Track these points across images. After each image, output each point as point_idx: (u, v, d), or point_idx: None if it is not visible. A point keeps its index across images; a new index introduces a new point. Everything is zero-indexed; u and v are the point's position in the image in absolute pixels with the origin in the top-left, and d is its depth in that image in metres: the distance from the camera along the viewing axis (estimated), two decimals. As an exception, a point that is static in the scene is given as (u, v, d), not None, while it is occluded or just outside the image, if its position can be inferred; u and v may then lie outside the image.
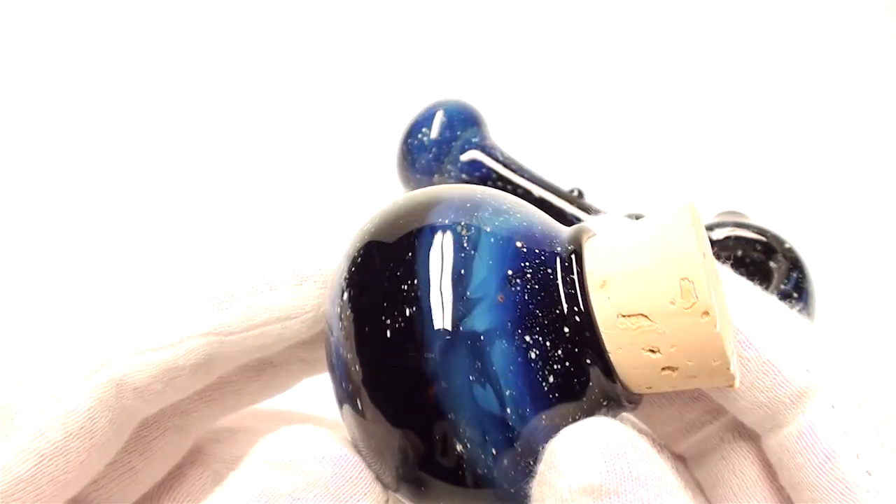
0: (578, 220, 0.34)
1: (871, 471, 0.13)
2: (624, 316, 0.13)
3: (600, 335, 0.13)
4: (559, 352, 0.13)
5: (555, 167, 0.37)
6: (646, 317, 0.12)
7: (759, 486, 0.15)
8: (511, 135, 0.38)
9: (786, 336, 0.14)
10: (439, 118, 0.35)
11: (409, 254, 0.13)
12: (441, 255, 0.13)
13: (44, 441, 0.14)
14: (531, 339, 0.12)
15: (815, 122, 0.46)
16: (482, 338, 0.12)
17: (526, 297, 0.13)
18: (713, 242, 0.33)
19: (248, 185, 0.43)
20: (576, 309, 0.13)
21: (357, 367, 0.13)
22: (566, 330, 0.13)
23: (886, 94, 0.47)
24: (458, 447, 0.12)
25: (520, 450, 0.12)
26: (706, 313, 0.12)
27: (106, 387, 0.14)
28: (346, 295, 0.13)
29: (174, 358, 0.15)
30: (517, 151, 0.36)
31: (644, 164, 0.44)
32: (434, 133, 0.35)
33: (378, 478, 0.14)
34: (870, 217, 0.42)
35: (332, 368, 0.14)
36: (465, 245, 0.13)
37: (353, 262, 0.14)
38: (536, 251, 0.13)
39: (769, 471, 0.15)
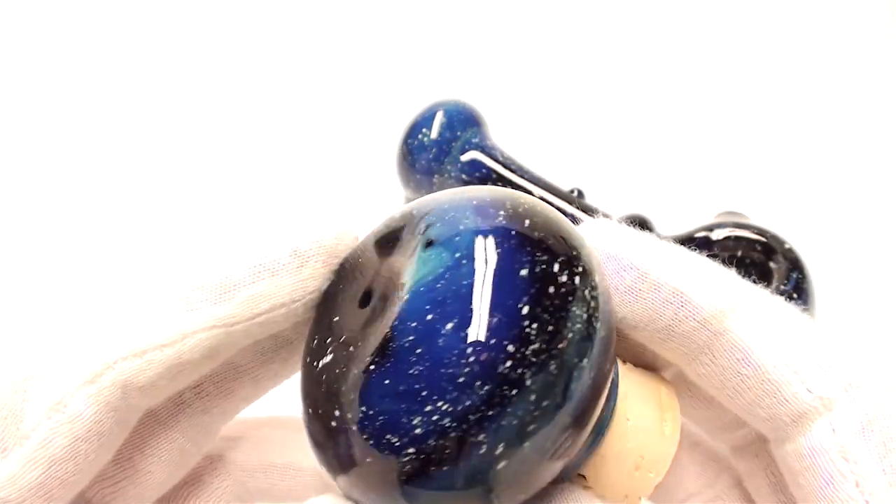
0: (578, 220, 0.34)
1: (871, 500, 0.13)
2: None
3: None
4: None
5: (555, 167, 0.37)
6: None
7: (788, 487, 0.16)
8: (511, 135, 0.38)
9: (788, 350, 0.14)
10: (439, 118, 0.35)
11: None
12: None
13: (53, 448, 0.14)
14: None
15: (814, 122, 0.46)
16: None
17: None
18: (713, 242, 0.33)
19: (247, 185, 0.43)
20: None
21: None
22: None
23: (886, 94, 0.47)
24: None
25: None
26: None
27: (111, 389, 0.14)
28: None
29: (179, 354, 0.14)
30: (517, 151, 0.36)
31: (644, 165, 0.44)
32: (434, 133, 0.35)
33: None
34: (870, 217, 0.42)
35: (322, 433, 0.14)
36: None
37: None
38: None
39: None
